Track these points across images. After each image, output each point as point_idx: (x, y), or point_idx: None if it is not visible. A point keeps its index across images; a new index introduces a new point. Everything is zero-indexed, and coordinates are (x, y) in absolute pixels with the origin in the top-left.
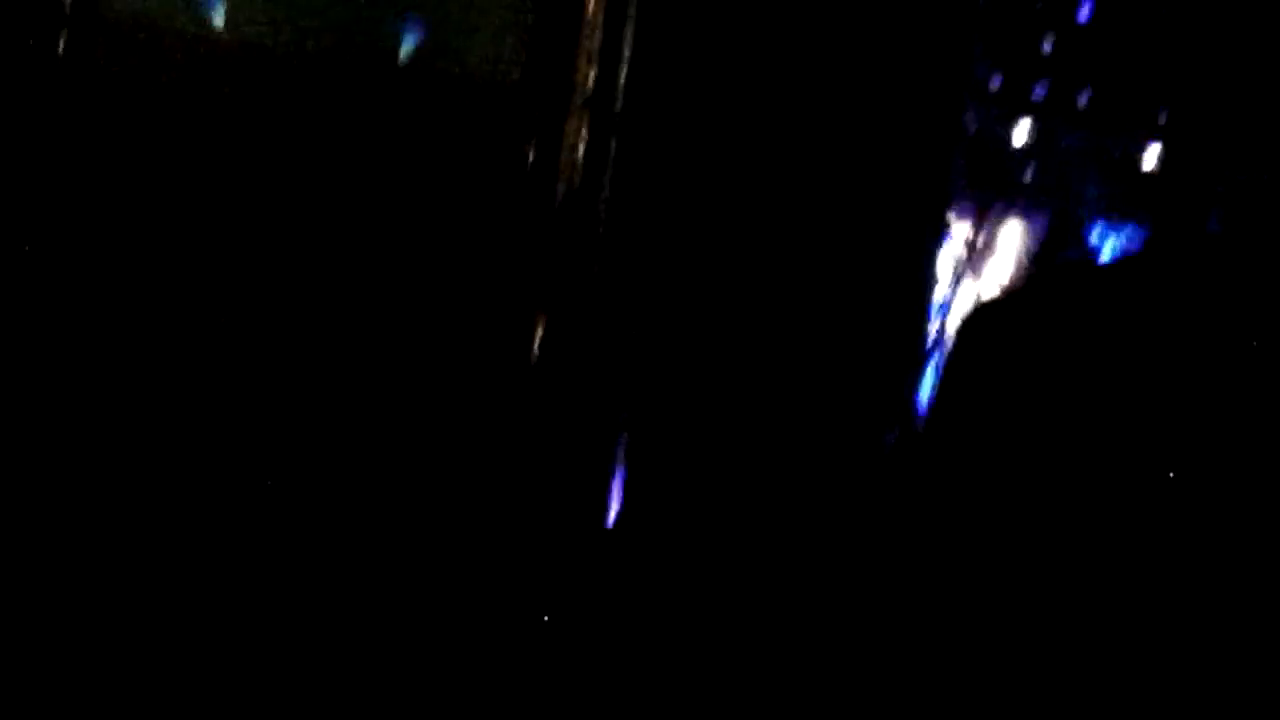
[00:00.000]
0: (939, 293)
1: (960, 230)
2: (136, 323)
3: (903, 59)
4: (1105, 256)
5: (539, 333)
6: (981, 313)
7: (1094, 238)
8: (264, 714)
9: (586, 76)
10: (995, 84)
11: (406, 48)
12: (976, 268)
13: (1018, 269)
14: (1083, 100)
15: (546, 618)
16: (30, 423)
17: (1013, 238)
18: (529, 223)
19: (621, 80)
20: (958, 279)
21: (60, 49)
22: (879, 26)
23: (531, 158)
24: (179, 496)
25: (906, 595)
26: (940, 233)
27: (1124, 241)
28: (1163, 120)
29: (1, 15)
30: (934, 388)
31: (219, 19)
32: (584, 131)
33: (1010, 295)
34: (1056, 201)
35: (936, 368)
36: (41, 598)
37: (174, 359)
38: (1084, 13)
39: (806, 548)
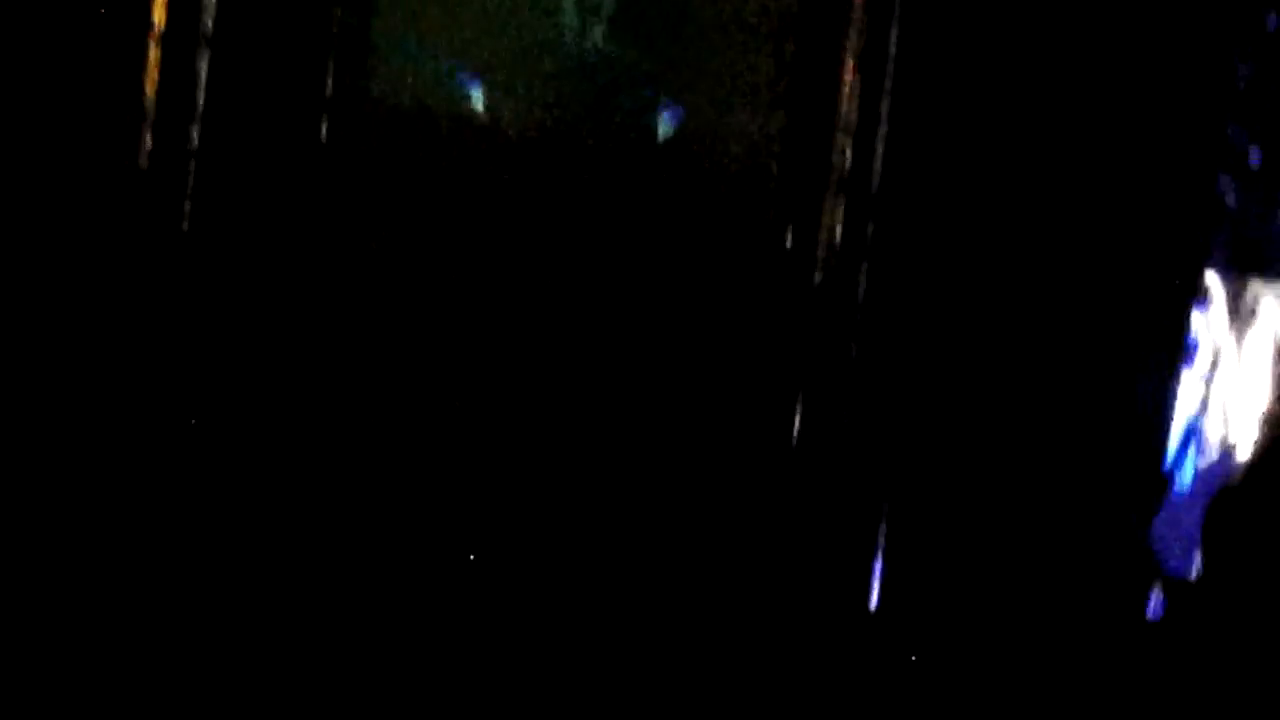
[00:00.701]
0: (1199, 371)
1: (1219, 307)
2: (410, 406)
3: (1160, 137)
4: None
5: (799, 414)
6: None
7: None
8: None
9: (844, 155)
10: (1255, 160)
11: (664, 129)
12: (1237, 346)
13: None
14: None
15: (811, 700)
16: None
17: (1274, 315)
18: (788, 305)
19: (878, 160)
20: (1215, 360)
21: (323, 134)
22: (1137, 104)
23: (789, 239)
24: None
25: None
26: (1197, 305)
27: None
28: None
29: (264, 102)
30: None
31: (479, 102)
32: (840, 212)
33: None
34: None
35: (1198, 454)
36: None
37: (449, 448)
38: None
39: (1068, 637)
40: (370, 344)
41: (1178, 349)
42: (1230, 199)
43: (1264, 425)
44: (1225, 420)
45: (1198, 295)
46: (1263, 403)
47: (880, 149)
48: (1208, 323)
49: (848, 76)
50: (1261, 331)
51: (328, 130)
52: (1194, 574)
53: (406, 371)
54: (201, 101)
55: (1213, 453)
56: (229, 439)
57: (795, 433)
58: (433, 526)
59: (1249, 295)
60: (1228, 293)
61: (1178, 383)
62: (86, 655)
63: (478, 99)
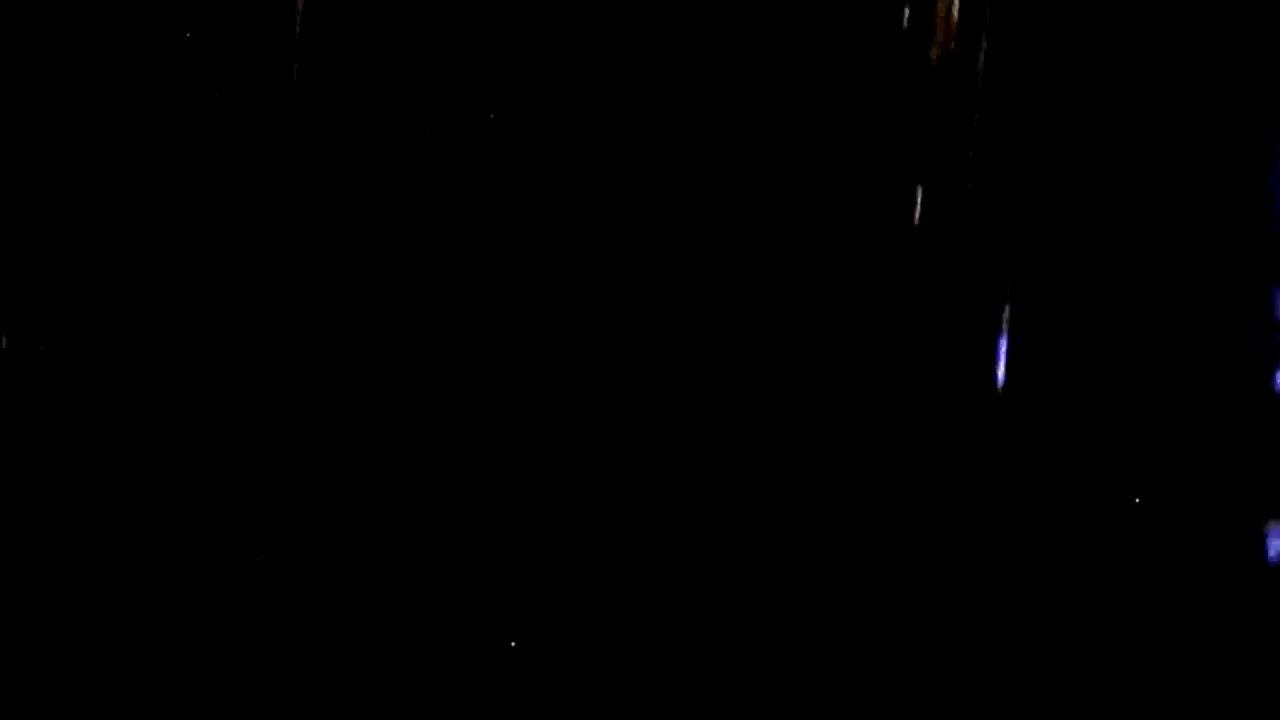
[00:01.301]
0: None
1: None
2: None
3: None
4: None
5: (920, 196)
6: None
7: None
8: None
9: None
10: None
11: None
12: None
13: None
14: None
15: (940, 483)
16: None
17: None
18: (905, 85)
19: None
20: None
21: None
22: None
23: (906, 18)
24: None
25: None
26: None
27: None
28: None
29: None
30: None
31: None
32: None
33: None
34: None
35: None
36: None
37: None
38: None
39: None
40: None
41: None
42: None
43: None
44: None
45: None
46: None
47: None
48: None
49: None
50: None
51: None
52: None
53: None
54: None
55: None
56: None
57: (917, 214)
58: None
59: None
60: None
61: None
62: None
63: None
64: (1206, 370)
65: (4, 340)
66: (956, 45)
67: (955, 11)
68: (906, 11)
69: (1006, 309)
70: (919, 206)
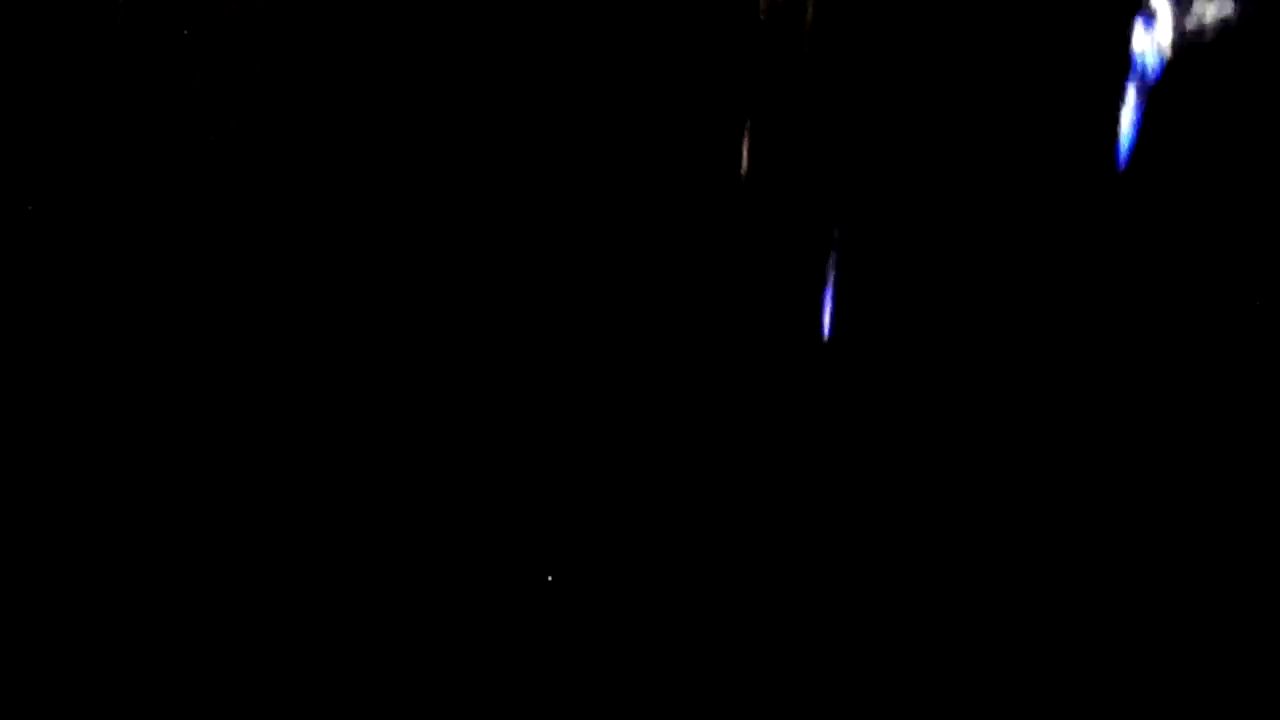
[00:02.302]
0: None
1: (1165, 19)
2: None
3: None
4: None
5: (746, 144)
6: None
7: None
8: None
9: None
10: None
11: None
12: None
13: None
14: None
15: (767, 430)
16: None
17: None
18: (733, 32)
19: None
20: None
21: None
22: None
23: None
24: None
25: None
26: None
27: None
28: None
29: None
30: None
31: None
32: None
33: None
34: None
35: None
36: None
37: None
38: None
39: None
40: None
41: (1122, 68)
42: None
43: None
44: (1170, 146)
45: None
46: (1207, 124)
47: None
48: (1153, 39)
49: None
50: (1206, 48)
51: None
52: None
53: None
54: None
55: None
56: None
57: (744, 162)
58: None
59: (1194, 13)
60: (1174, 7)
61: (1123, 103)
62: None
63: None
64: (1034, 328)
65: None
66: None
67: None
68: None
69: (833, 258)
70: (746, 150)
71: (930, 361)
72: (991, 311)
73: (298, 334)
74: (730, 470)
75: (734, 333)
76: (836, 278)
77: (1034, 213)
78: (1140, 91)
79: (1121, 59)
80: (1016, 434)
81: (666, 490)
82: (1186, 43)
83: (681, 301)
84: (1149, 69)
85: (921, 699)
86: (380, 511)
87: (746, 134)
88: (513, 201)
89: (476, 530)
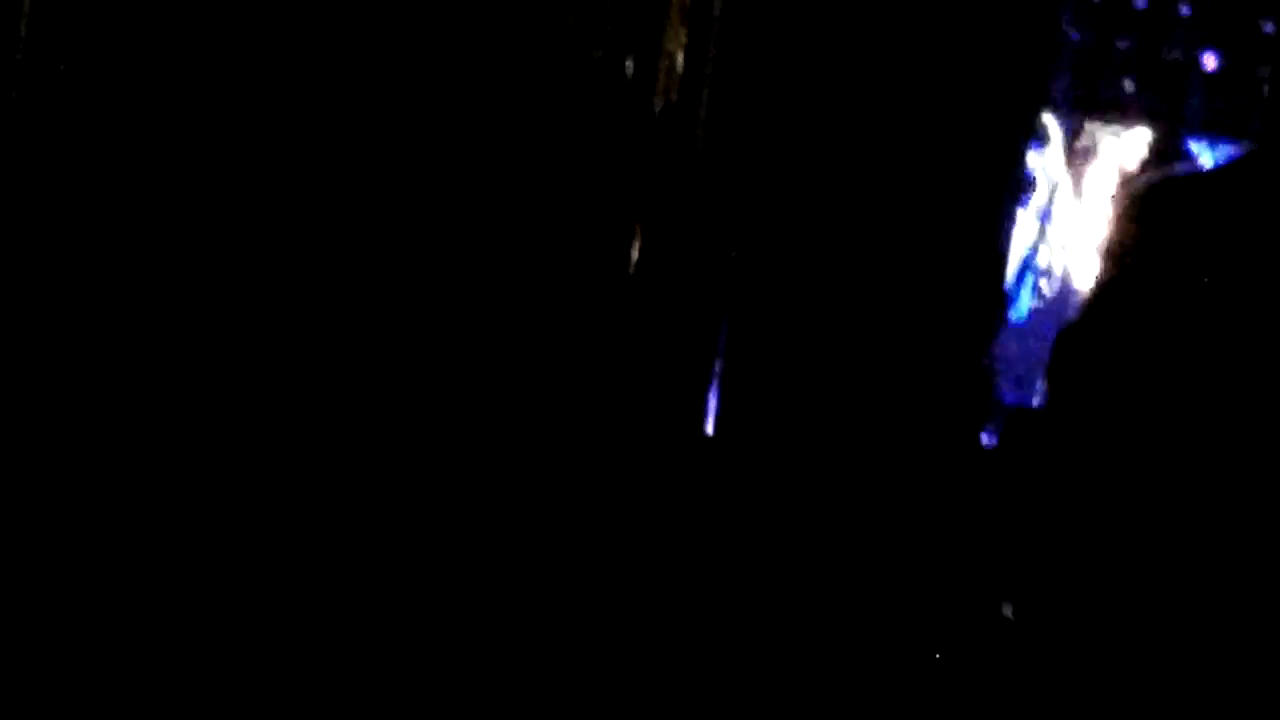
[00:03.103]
0: (1037, 204)
1: (1057, 143)
2: None
3: None
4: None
5: (637, 243)
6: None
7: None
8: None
9: None
10: None
11: None
12: (1076, 180)
13: (1120, 181)
14: (1185, 10)
15: (650, 520)
16: None
17: (1114, 151)
18: (628, 134)
19: None
20: (1051, 197)
21: None
22: None
23: (630, 68)
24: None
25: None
26: (1033, 142)
27: (1224, 158)
28: (1270, 30)
29: None
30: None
31: None
32: (682, 38)
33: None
34: (1159, 116)
35: (1034, 287)
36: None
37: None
38: None
39: (904, 461)
40: None
41: (1013, 185)
42: (1072, 36)
43: (1103, 259)
44: (1063, 254)
45: (1034, 134)
46: (1100, 237)
47: None
48: (1045, 161)
49: None
50: (1100, 169)
51: None
52: (1033, 403)
53: None
54: None
55: (1051, 286)
56: None
57: (633, 260)
58: None
59: (1087, 135)
60: (1066, 132)
61: (1013, 218)
62: None
63: None
64: (917, 413)
65: None
66: (679, 96)
67: (679, 64)
68: (630, 64)
69: (718, 358)
70: (637, 249)
71: (812, 458)
72: (872, 412)
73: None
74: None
75: (623, 427)
76: (721, 374)
77: (920, 316)
78: (1029, 209)
79: (1015, 179)
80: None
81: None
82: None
83: (572, 392)
84: (1038, 188)
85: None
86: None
87: (638, 228)
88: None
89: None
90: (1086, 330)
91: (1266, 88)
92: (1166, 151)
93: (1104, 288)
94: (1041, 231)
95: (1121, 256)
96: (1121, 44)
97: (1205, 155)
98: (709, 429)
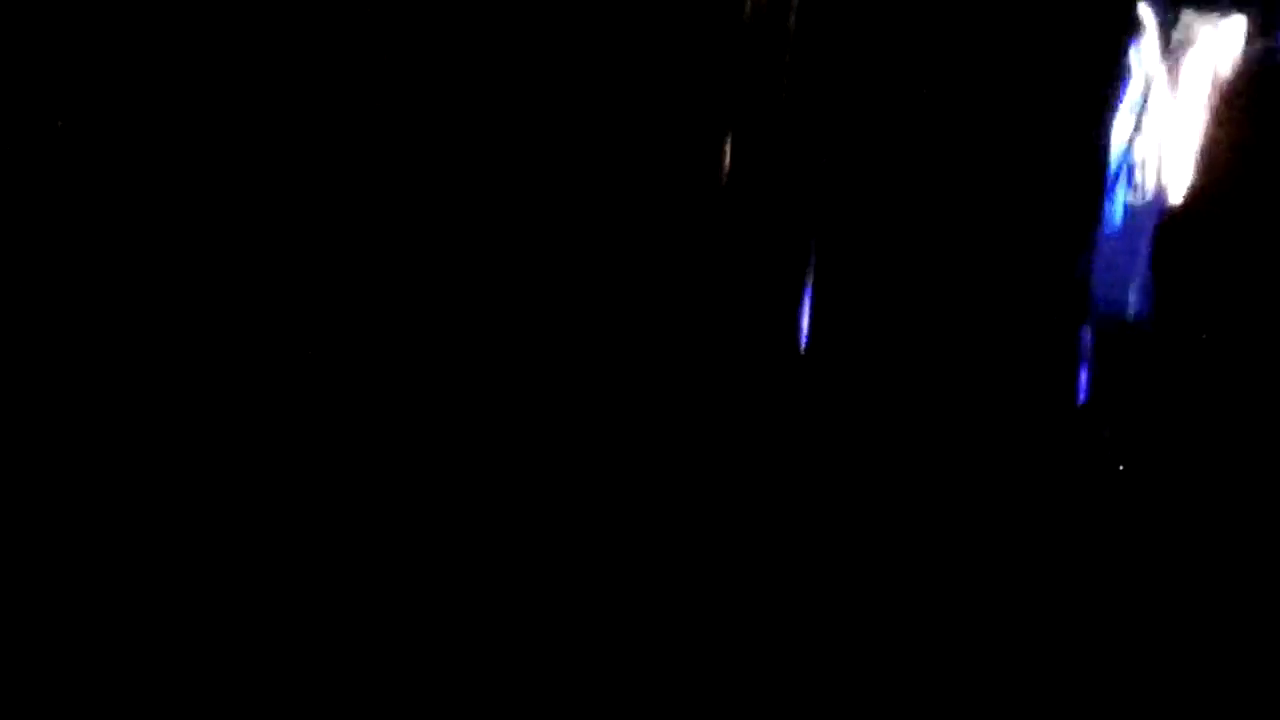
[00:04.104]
0: (1132, 99)
1: (1151, 33)
2: None
3: None
4: None
5: (728, 152)
6: None
7: None
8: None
9: None
10: None
11: None
12: (1172, 73)
13: (1218, 73)
14: None
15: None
16: None
17: (1211, 41)
18: (716, 39)
19: None
20: (1148, 86)
21: None
22: None
23: None
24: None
25: None
26: (1130, 37)
27: None
28: None
29: None
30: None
31: None
32: None
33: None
34: (1257, 2)
35: (1131, 184)
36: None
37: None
38: None
39: (999, 369)
40: None
41: (1113, 80)
42: None
43: (1202, 155)
44: (1160, 151)
45: (1131, 27)
46: (1198, 135)
47: None
48: (1140, 54)
49: None
50: (1196, 62)
51: None
52: (1130, 311)
53: None
54: None
55: (1148, 183)
56: None
57: (725, 170)
58: None
59: (1182, 26)
60: (1161, 22)
61: (1114, 114)
62: None
63: None
64: (1011, 343)
65: None
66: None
67: None
68: None
69: (811, 268)
70: (727, 161)
71: (906, 372)
72: (967, 319)
73: (293, 332)
74: (709, 474)
75: (713, 342)
76: (814, 288)
77: (1016, 219)
78: (1125, 105)
79: (1111, 73)
80: (996, 438)
81: (650, 492)
82: (1174, 59)
83: (662, 309)
84: (1138, 84)
85: (906, 700)
86: (351, 508)
87: (728, 141)
88: (492, 209)
89: (463, 528)
90: (1190, 228)
91: None
92: (1266, 40)
93: (1205, 185)
94: (1138, 126)
95: (1222, 152)
96: None
97: None
98: (802, 345)
